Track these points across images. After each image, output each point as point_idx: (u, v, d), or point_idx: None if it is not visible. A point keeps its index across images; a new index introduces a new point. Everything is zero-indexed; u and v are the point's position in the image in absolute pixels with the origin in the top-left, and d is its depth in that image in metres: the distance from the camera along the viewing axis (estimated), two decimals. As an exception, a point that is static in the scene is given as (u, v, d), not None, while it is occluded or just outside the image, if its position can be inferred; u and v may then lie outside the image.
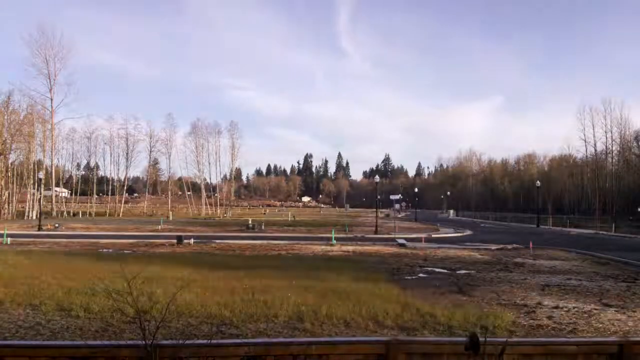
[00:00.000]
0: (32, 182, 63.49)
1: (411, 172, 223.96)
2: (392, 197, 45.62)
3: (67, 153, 78.65)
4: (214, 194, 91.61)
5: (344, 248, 23.39)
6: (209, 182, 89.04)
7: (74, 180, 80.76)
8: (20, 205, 65.99)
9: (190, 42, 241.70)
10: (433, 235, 35.37)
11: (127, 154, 79.25)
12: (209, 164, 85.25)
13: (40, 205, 44.95)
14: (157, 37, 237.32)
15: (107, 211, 76.42)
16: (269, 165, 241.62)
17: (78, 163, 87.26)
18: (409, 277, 14.15)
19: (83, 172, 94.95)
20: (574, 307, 9.97)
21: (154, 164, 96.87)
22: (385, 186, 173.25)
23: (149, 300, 9.27)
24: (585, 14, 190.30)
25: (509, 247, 24.71)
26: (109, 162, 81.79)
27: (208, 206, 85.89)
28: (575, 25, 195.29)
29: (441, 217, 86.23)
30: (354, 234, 34.82)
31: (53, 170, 66.95)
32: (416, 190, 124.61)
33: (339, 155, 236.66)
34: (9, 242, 24.61)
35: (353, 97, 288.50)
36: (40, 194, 48.80)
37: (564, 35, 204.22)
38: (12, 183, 61.67)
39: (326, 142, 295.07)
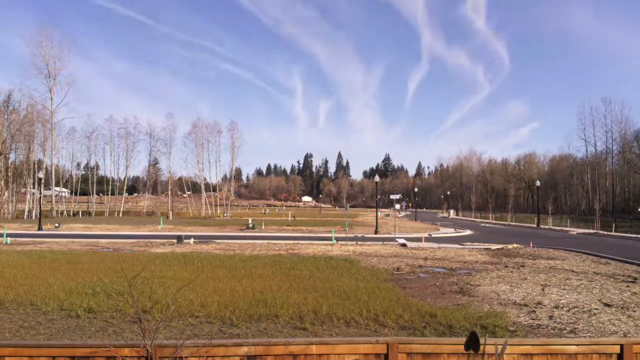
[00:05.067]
0: (32, 181, 63.52)
1: (411, 172, 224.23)
2: (392, 196, 45.48)
3: (67, 153, 78.78)
4: (214, 194, 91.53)
5: (344, 248, 23.38)
6: (209, 181, 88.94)
7: (74, 180, 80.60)
8: (20, 205, 66.00)
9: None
10: (433, 235, 35.37)
11: (127, 153, 79.29)
12: (209, 163, 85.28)
13: (40, 205, 44.89)
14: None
15: (107, 211, 76.41)
16: (269, 165, 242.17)
17: (78, 163, 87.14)
18: (409, 277, 14.15)
19: (83, 172, 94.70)
20: (574, 307, 9.98)
21: (154, 164, 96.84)
22: (386, 186, 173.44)
23: (149, 300, 9.28)
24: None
25: (509, 246, 24.70)
26: (109, 162, 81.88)
27: (208, 206, 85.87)
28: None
29: (441, 217, 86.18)
30: (354, 233, 34.80)
31: (53, 170, 66.86)
32: (416, 190, 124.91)
33: (339, 155, 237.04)
34: (9, 242, 24.63)
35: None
36: (40, 193, 48.77)
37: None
38: (12, 183, 61.68)
39: (326, 142, 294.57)
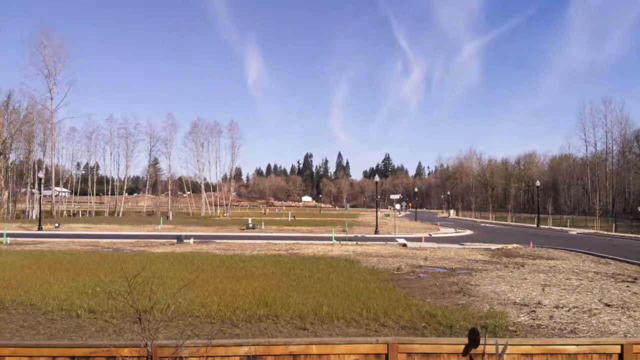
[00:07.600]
0: (32, 181, 63.50)
1: (411, 172, 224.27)
2: (392, 196, 45.59)
3: (67, 153, 78.63)
4: (214, 194, 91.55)
5: (344, 248, 23.38)
6: (209, 181, 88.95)
7: (74, 180, 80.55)
8: (20, 205, 65.97)
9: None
10: (433, 235, 35.38)
11: (127, 153, 79.25)
12: (209, 163, 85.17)
13: (40, 205, 44.86)
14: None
15: (107, 211, 76.39)
16: (269, 165, 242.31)
17: (78, 162, 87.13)
18: (409, 277, 14.15)
19: (83, 172, 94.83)
20: (574, 307, 9.97)
21: (154, 164, 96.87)
22: (386, 186, 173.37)
23: (149, 300, 9.27)
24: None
25: (509, 246, 24.69)
26: (109, 162, 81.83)
27: (208, 206, 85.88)
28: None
29: (441, 217, 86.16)
30: (354, 233, 34.80)
31: (53, 170, 66.82)
32: (416, 190, 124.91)
33: (339, 155, 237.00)
34: (9, 242, 24.62)
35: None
36: (40, 193, 48.75)
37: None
38: (12, 183, 61.67)
39: (326, 142, 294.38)
